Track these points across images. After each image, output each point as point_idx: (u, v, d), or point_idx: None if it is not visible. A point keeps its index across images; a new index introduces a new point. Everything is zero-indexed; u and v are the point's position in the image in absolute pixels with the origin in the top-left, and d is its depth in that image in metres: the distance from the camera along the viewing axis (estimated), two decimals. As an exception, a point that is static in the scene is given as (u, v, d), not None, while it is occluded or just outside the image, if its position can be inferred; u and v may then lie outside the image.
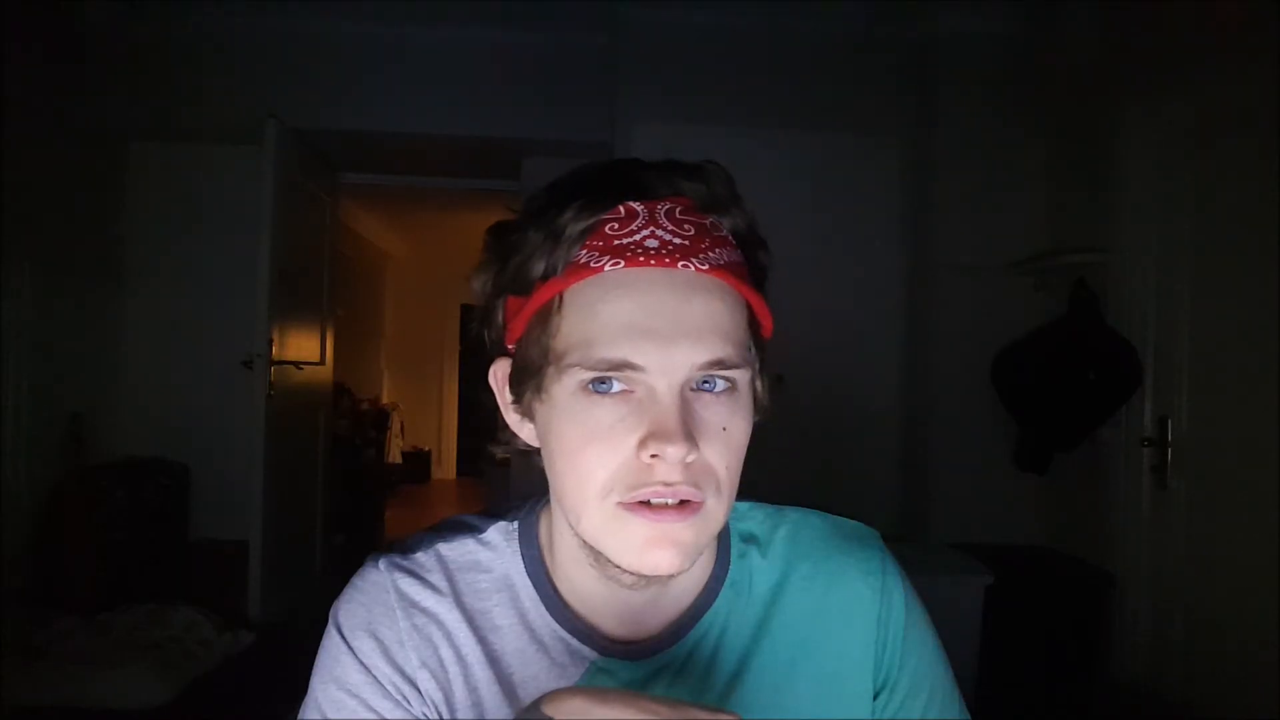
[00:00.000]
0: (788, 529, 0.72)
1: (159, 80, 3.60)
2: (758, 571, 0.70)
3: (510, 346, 0.64)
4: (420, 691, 0.64)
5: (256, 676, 2.83)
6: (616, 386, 0.57)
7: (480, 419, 0.70)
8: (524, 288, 0.60)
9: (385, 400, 7.66)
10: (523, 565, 0.68)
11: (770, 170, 3.11)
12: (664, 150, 0.65)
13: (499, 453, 0.70)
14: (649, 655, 0.66)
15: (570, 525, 0.62)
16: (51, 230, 3.30)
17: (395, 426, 7.51)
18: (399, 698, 0.64)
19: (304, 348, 3.80)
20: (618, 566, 0.60)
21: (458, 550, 0.69)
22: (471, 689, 0.65)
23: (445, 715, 0.65)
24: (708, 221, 0.60)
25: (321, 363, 4.05)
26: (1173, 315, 2.46)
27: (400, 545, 0.70)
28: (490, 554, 0.69)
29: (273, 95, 3.55)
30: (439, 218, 6.57)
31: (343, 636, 0.66)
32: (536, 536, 0.70)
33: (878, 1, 3.24)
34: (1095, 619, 2.58)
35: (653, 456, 0.56)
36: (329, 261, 4.11)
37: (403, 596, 0.66)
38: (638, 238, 0.58)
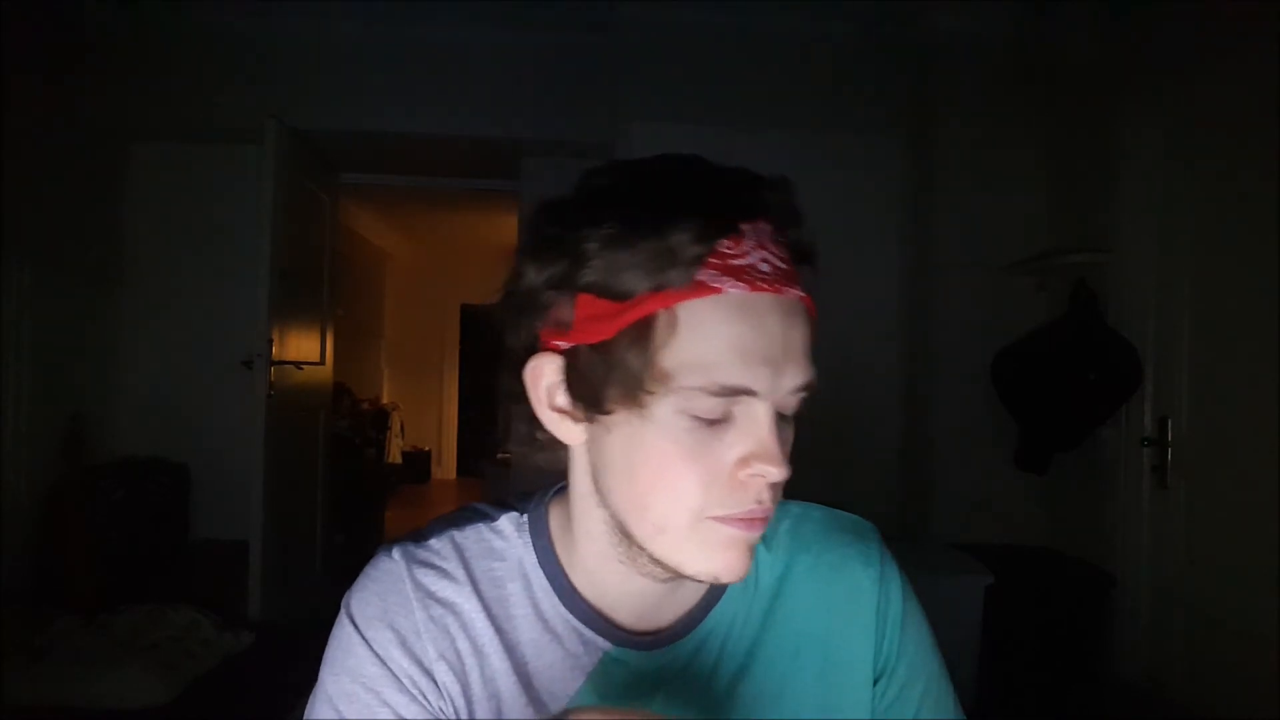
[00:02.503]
0: (790, 522, 0.74)
1: (159, 80, 3.60)
2: (763, 565, 0.71)
3: (562, 344, 0.61)
4: (437, 684, 0.64)
5: (256, 676, 2.82)
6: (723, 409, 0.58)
7: (485, 415, 0.69)
8: (618, 294, 0.57)
9: (385, 400, 7.66)
10: (535, 556, 0.68)
11: (770, 170, 3.09)
12: (663, 151, 0.64)
13: (513, 454, 0.69)
14: (661, 646, 0.67)
15: (638, 539, 0.61)
16: (51, 230, 3.30)
17: (395, 426, 7.51)
18: (415, 692, 0.63)
19: (304, 348, 3.80)
20: (682, 573, 0.61)
21: (472, 538, 0.69)
22: (488, 680, 0.65)
23: (461, 708, 0.64)
24: (789, 241, 0.61)
25: (321, 363, 4.05)
26: (1173, 315, 2.46)
27: (413, 534, 0.69)
28: (504, 542, 0.69)
29: (273, 95, 3.55)
30: (439, 218, 6.56)
31: (356, 627, 0.64)
32: (547, 528, 0.70)
33: (877, 1, 3.24)
34: (1095, 619, 2.57)
35: (752, 475, 0.58)
36: (329, 261, 4.11)
37: (419, 587, 0.65)
38: (751, 260, 0.57)
